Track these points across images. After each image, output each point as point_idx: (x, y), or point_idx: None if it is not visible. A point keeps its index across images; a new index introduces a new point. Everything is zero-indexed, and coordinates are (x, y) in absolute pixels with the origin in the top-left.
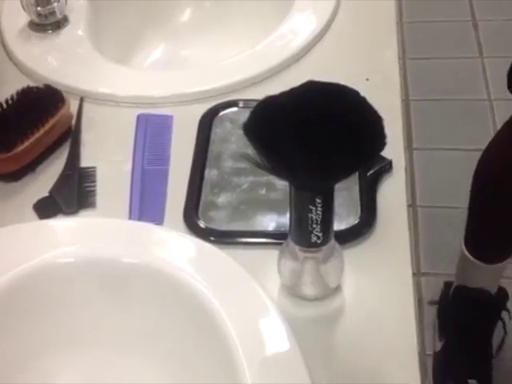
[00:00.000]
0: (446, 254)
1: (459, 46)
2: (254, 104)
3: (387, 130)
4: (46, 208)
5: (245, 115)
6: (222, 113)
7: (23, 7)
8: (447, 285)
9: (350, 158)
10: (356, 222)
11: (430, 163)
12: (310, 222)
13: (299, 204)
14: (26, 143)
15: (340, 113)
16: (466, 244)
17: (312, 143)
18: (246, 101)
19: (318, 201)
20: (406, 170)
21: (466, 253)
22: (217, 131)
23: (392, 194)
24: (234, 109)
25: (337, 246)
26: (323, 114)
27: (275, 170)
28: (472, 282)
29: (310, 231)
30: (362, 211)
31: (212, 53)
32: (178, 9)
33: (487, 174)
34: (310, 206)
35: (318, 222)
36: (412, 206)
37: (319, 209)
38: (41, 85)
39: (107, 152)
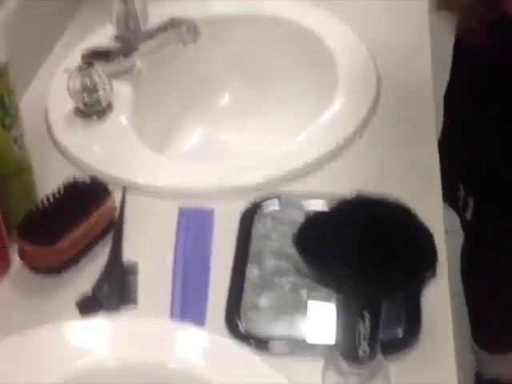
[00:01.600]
0: None
1: None
2: (296, 200)
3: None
4: (89, 304)
5: (286, 212)
6: (263, 208)
7: (70, 95)
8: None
9: (402, 275)
10: (400, 332)
11: None
12: (357, 336)
13: (346, 316)
14: (71, 237)
15: (391, 229)
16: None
17: (363, 259)
18: (287, 196)
19: (367, 314)
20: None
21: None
22: (258, 227)
23: (436, 300)
24: (276, 204)
25: (384, 362)
26: (375, 230)
27: (324, 283)
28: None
29: (357, 345)
30: (406, 321)
31: (252, 139)
32: (218, 94)
33: None
34: (358, 319)
35: (366, 337)
36: None
37: (367, 323)
38: (86, 176)
39: (149, 245)
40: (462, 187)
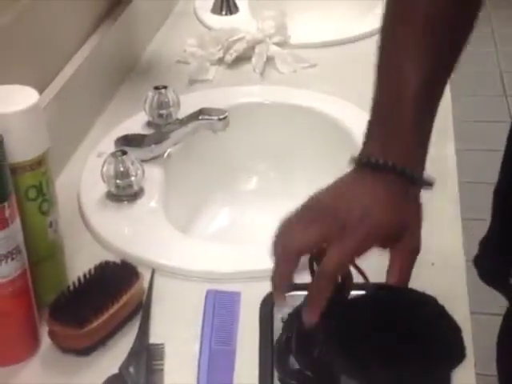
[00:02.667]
0: None
1: None
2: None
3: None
4: None
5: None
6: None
7: (103, 179)
8: None
9: (428, 369)
10: None
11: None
12: None
13: None
14: (100, 320)
15: (419, 322)
16: None
17: (389, 351)
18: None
19: None
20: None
21: None
22: (279, 318)
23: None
24: (295, 292)
25: None
26: (401, 322)
27: (351, 373)
28: None
29: None
30: None
31: (278, 221)
32: (245, 178)
33: None
34: None
35: None
36: None
37: None
38: (116, 259)
39: (176, 328)
40: None
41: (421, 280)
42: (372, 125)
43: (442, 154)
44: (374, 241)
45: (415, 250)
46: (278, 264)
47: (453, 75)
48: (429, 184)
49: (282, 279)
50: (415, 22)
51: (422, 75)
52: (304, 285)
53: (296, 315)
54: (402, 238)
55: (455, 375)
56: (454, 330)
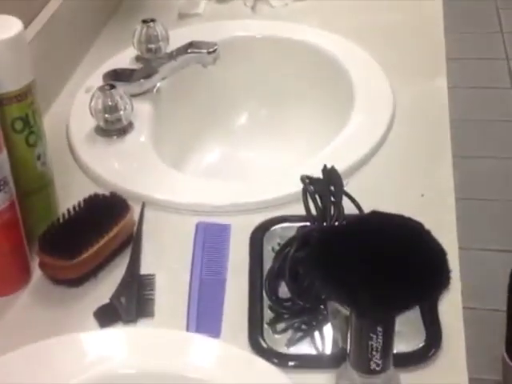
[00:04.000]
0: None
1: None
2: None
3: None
4: (106, 315)
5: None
6: (272, 228)
7: (91, 114)
8: None
9: (414, 290)
10: (421, 344)
11: (478, 265)
12: (370, 350)
13: (359, 330)
14: (90, 251)
15: (404, 245)
16: (507, 350)
17: (376, 274)
18: (294, 216)
19: (379, 329)
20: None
21: (508, 360)
22: (268, 248)
23: (450, 313)
24: (284, 224)
25: (396, 373)
26: (387, 246)
27: (337, 299)
28: None
29: (369, 358)
30: (426, 332)
31: (268, 157)
32: (236, 114)
33: None
34: (371, 334)
35: (378, 350)
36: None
37: (380, 337)
38: (107, 192)
39: (167, 259)
40: None
41: (410, 210)
42: None
43: (434, 89)
44: None
45: None
46: None
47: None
48: None
49: None
50: None
51: None
52: (293, 217)
53: (289, 245)
54: None
55: (442, 305)
56: (440, 253)
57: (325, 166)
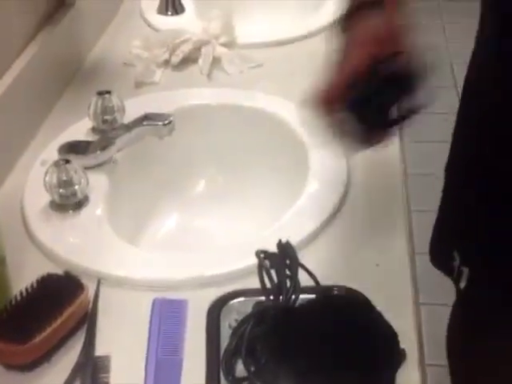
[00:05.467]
0: None
1: None
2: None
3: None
4: None
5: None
6: (229, 303)
7: (46, 188)
8: None
9: (365, 375)
10: None
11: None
12: None
13: None
14: (44, 334)
15: (355, 329)
16: None
17: (332, 357)
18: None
19: None
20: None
21: None
22: (225, 325)
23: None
24: (241, 298)
25: None
26: (338, 330)
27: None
28: None
29: None
30: None
31: (227, 226)
32: (193, 182)
33: None
34: None
35: None
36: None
37: None
38: (61, 269)
39: (122, 339)
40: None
41: (366, 280)
42: None
43: (387, 152)
44: None
45: None
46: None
47: None
48: None
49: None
50: None
51: None
52: (250, 290)
53: (245, 322)
54: None
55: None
56: (391, 335)
57: (279, 240)
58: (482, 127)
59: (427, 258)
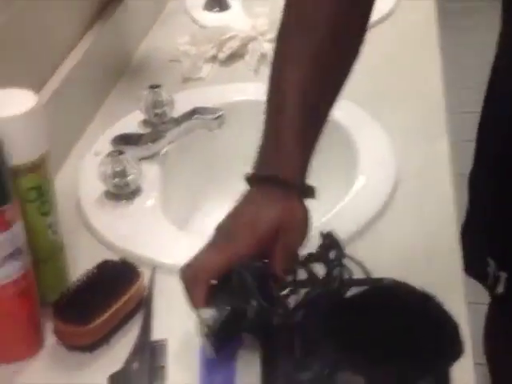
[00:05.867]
0: None
1: None
2: None
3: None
4: (120, 382)
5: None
6: None
7: (100, 179)
8: None
9: (427, 363)
10: None
11: None
12: None
13: None
14: (102, 317)
15: (415, 317)
16: None
17: (393, 347)
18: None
19: None
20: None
21: None
22: None
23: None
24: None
25: None
26: (398, 318)
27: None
28: None
29: None
30: None
31: None
32: (240, 175)
33: None
34: None
35: None
36: None
37: None
38: (116, 256)
39: (177, 323)
40: (492, 262)
41: (417, 274)
42: (261, 140)
43: (436, 149)
44: (254, 241)
45: (293, 245)
46: (191, 289)
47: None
48: (311, 191)
49: (197, 302)
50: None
51: (302, 88)
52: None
53: (296, 311)
54: (281, 234)
55: (454, 367)
56: (453, 326)
57: (321, 231)
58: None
59: None
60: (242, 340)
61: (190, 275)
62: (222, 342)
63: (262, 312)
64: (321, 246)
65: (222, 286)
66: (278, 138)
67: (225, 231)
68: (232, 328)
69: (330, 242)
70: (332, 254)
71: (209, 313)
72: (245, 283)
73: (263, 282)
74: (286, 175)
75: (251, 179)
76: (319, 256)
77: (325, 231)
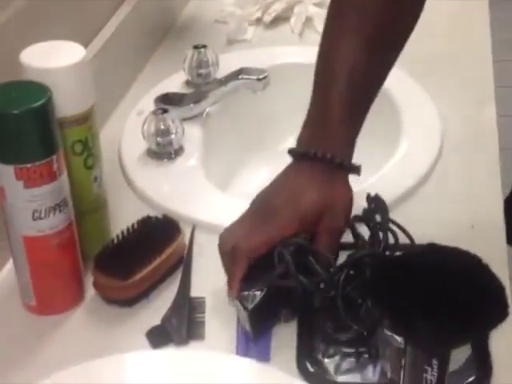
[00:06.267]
0: None
1: None
2: None
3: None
4: (158, 337)
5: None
6: None
7: (143, 136)
8: None
9: (472, 324)
10: (471, 379)
11: None
12: (424, 382)
13: (414, 363)
14: (143, 272)
15: (462, 279)
16: None
17: (435, 307)
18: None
19: (435, 362)
20: None
21: None
22: None
23: (504, 344)
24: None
25: None
26: (445, 279)
27: (394, 328)
28: None
29: None
30: (477, 365)
31: None
32: (282, 137)
33: None
34: (426, 367)
35: (433, 383)
36: None
37: (435, 370)
38: (157, 213)
39: (216, 282)
40: None
41: (460, 242)
42: (308, 115)
43: (483, 117)
44: (297, 221)
45: (337, 228)
46: (230, 267)
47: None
48: (356, 170)
49: (236, 281)
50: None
51: (353, 64)
52: (343, 244)
53: (340, 271)
54: (324, 217)
55: (497, 335)
56: (498, 288)
57: (368, 194)
58: None
59: None
60: (280, 317)
61: (230, 253)
62: (259, 323)
63: (302, 292)
64: (366, 209)
65: (260, 264)
66: (325, 114)
67: (266, 205)
68: (269, 308)
69: (375, 205)
70: (377, 218)
71: (246, 293)
72: (286, 264)
73: (303, 257)
74: (333, 153)
75: (295, 154)
76: (364, 218)
77: (372, 194)
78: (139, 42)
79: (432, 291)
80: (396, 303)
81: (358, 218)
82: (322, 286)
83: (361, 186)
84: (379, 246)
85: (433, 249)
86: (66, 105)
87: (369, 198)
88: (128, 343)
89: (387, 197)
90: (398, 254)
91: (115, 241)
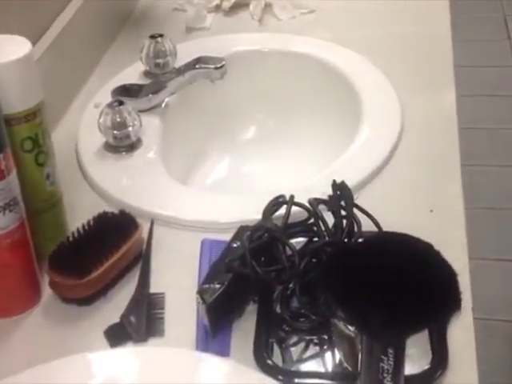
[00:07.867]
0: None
1: None
2: None
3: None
4: (117, 335)
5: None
6: None
7: (100, 130)
8: None
9: (425, 313)
10: (427, 366)
11: (490, 275)
12: (381, 371)
13: (370, 352)
14: (100, 269)
15: (414, 267)
16: None
17: (387, 297)
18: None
19: (390, 351)
20: (472, 309)
21: None
22: None
23: (460, 332)
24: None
25: None
26: (396, 268)
27: (349, 321)
28: None
29: (380, 380)
30: (433, 353)
31: (276, 171)
32: (243, 127)
33: None
34: (382, 356)
35: (390, 372)
36: None
37: (391, 359)
38: (115, 209)
39: (175, 277)
40: None
41: (419, 226)
42: None
43: (442, 101)
44: None
45: None
46: None
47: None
48: None
49: None
50: None
51: None
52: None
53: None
54: None
55: (453, 321)
56: (451, 275)
57: (334, 180)
58: None
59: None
60: (242, 311)
61: None
62: (218, 318)
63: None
64: (332, 196)
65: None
66: None
67: None
68: (229, 302)
69: (341, 191)
70: (342, 204)
71: (207, 286)
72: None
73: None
74: None
75: None
76: (329, 205)
77: (337, 181)
78: (94, 33)
79: (383, 280)
80: (348, 294)
81: (322, 202)
82: (278, 275)
83: (322, 172)
84: (342, 233)
85: (383, 236)
86: (12, 101)
87: (334, 185)
88: (87, 343)
89: (347, 182)
90: (353, 242)
91: (70, 238)
